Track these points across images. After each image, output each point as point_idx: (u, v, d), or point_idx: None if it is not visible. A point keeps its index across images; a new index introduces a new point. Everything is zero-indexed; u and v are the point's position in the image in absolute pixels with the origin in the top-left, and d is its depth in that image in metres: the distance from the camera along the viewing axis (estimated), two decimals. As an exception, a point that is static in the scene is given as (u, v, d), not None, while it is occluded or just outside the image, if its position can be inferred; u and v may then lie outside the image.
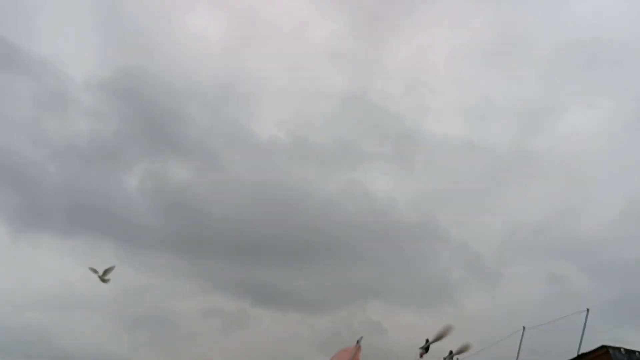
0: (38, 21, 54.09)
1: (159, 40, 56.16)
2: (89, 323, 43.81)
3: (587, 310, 16.79)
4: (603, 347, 13.79)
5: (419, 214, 52.48)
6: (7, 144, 47.34)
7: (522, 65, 54.45)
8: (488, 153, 52.79)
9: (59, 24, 55.88)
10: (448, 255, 50.89)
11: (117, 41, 57.33)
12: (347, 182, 54.74)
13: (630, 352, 13.91)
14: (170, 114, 53.03)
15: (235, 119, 55.67)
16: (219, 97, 56.73)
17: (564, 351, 15.61)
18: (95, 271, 23.38)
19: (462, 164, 53.77)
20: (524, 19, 54.36)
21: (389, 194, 53.77)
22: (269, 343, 44.22)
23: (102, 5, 57.83)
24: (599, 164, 49.52)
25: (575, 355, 14.70)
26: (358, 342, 11.21)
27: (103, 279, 23.19)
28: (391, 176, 56.20)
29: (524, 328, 19.12)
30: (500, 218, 51.41)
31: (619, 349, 13.77)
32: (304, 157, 55.83)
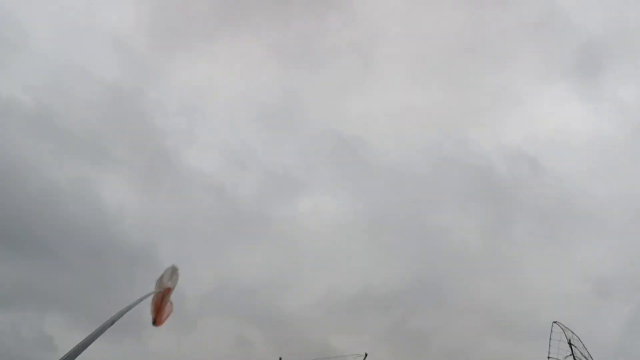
0: None
1: None
2: None
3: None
4: None
5: (142, 237, 47.46)
6: None
7: (292, 134, 56.33)
8: (234, 202, 51.77)
9: None
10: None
11: None
12: (81, 178, 47.18)
13: None
14: None
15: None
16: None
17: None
18: None
19: (206, 204, 51.56)
20: (308, 95, 57.05)
21: (120, 207, 47.82)
22: None
23: None
24: (319, 248, 52.31)
25: None
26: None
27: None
28: (131, 190, 50.48)
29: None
30: (217, 268, 49.60)
31: None
32: (44, 133, 46.58)
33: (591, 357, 15.08)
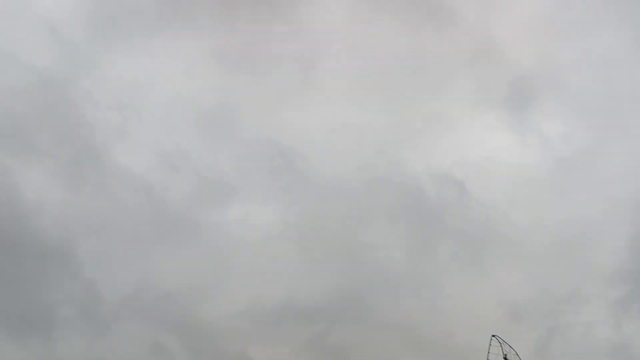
0: None
1: None
2: None
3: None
4: None
5: (61, 233, 45.18)
6: None
7: (228, 140, 55.80)
8: (162, 204, 50.32)
9: None
10: (70, 288, 44.47)
11: None
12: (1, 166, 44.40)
13: None
14: None
15: None
16: None
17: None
18: None
19: (132, 204, 49.75)
20: (247, 102, 56.73)
21: (40, 201, 45.29)
22: None
23: None
24: (246, 257, 51.66)
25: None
26: None
27: None
28: (53, 184, 47.93)
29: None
30: (138, 271, 47.95)
31: None
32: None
33: (526, 371, 15.66)
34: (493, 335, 15.44)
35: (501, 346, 15.46)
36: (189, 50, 57.33)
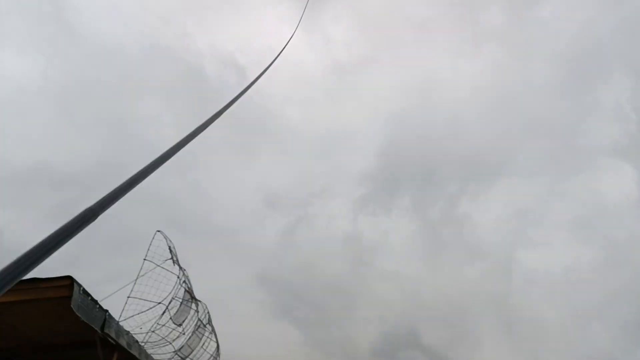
0: None
1: None
2: None
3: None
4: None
5: None
6: None
7: None
8: None
9: None
10: None
11: None
12: None
13: None
14: None
15: None
16: None
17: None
18: None
19: None
20: None
21: None
22: None
23: None
24: None
25: None
26: None
27: None
28: None
29: None
30: None
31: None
32: None
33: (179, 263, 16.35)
34: (158, 230, 15.81)
35: (165, 240, 15.85)
36: None
